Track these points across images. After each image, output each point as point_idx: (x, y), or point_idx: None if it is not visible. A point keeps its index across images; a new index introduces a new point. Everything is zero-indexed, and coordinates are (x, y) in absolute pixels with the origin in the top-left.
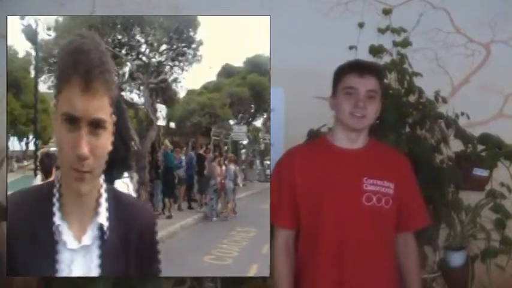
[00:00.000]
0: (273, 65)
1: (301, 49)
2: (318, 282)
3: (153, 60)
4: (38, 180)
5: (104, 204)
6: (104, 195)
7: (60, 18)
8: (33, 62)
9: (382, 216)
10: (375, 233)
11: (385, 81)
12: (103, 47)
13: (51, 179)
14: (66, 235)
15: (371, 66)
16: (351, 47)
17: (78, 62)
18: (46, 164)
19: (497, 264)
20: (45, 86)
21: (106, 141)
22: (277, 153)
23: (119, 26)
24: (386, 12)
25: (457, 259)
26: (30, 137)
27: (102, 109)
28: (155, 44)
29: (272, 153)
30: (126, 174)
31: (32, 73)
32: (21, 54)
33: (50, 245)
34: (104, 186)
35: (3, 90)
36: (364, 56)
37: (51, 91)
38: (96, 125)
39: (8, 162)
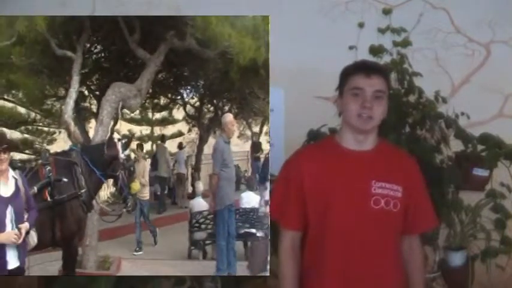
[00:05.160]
0: (273, 65)
1: (301, 49)
2: (325, 284)
3: None
4: None
5: None
6: None
7: None
8: None
9: (390, 220)
10: (383, 236)
11: None
12: None
13: None
14: None
15: (378, 66)
16: (351, 47)
17: None
18: None
19: (497, 264)
20: None
21: None
22: (277, 154)
23: None
24: (387, 12)
25: (457, 259)
26: None
27: None
28: None
29: (272, 153)
30: None
31: None
32: None
33: None
34: None
35: None
36: (364, 56)
37: None
38: None
39: None
